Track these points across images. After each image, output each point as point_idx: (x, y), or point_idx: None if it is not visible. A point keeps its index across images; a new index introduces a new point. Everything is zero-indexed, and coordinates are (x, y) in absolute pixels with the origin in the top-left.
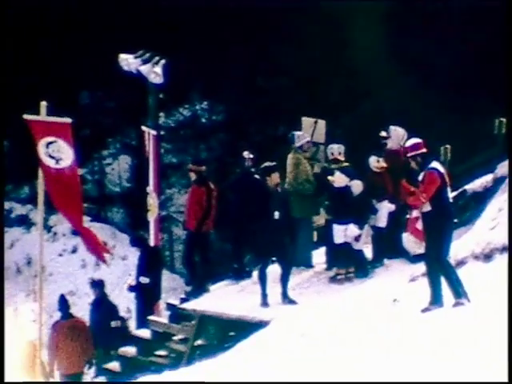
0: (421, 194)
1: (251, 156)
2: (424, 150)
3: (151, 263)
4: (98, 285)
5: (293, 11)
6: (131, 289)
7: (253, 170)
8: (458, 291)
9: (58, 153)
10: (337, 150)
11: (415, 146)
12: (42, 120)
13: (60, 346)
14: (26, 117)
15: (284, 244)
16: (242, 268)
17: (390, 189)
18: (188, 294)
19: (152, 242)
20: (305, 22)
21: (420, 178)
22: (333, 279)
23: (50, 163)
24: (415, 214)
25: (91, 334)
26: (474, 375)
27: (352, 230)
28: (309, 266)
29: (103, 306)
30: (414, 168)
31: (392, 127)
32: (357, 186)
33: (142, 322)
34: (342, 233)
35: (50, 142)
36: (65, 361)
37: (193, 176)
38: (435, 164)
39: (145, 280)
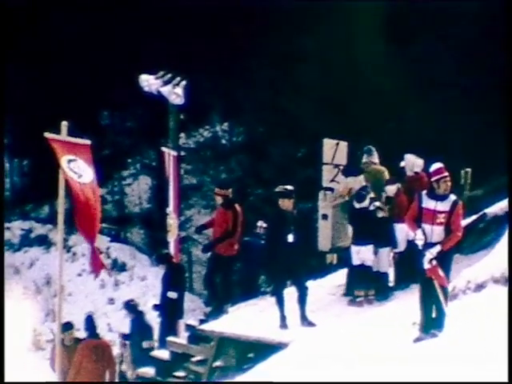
0: (457, 231)
1: (264, 225)
2: (446, 174)
3: (176, 280)
4: (131, 306)
5: (316, 31)
6: (156, 307)
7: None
8: (442, 322)
9: (78, 169)
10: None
11: (437, 171)
12: (63, 139)
13: (83, 365)
14: (47, 135)
15: (298, 267)
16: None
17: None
18: (208, 315)
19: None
20: (328, 42)
21: (443, 208)
22: (352, 301)
23: (74, 177)
24: (434, 262)
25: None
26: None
27: (365, 252)
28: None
29: (138, 326)
30: (440, 193)
31: (405, 156)
32: (380, 208)
33: (165, 341)
34: (356, 255)
35: (71, 160)
36: (86, 380)
37: (219, 200)
38: (454, 195)
39: (173, 295)
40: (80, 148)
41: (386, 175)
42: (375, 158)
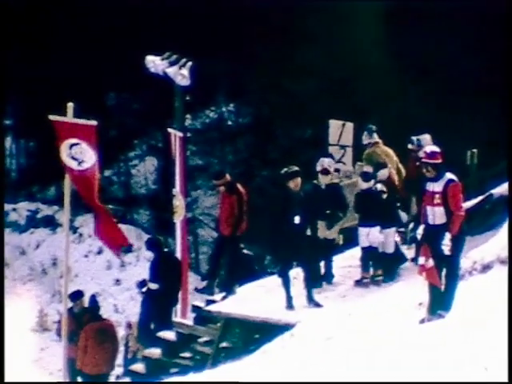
0: (456, 211)
1: None
2: (440, 161)
3: (163, 269)
4: (143, 285)
5: (320, 12)
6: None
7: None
8: (450, 303)
9: (80, 155)
10: (327, 163)
11: (432, 154)
12: (68, 121)
13: (88, 348)
14: (52, 117)
15: (304, 248)
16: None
17: (402, 194)
18: (201, 290)
19: (178, 244)
20: (332, 23)
21: (438, 188)
22: (358, 283)
23: (73, 165)
24: (431, 263)
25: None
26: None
27: (374, 234)
28: None
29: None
30: (425, 175)
31: (420, 137)
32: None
33: (146, 330)
34: (365, 237)
35: (74, 144)
36: (92, 362)
37: (222, 188)
38: (451, 175)
39: (154, 286)
40: (85, 129)
41: (394, 158)
42: (376, 138)
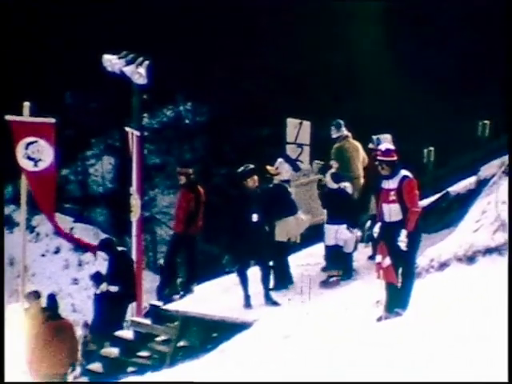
0: (412, 207)
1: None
2: (394, 158)
3: (121, 269)
4: (97, 277)
5: (278, 11)
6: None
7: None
8: (407, 300)
9: (37, 153)
10: (277, 164)
11: (387, 152)
12: (25, 120)
13: (46, 347)
14: (8, 117)
15: (261, 246)
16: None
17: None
18: (164, 296)
19: (134, 243)
20: (290, 21)
21: (393, 185)
22: (325, 282)
23: (29, 166)
24: (387, 261)
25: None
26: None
27: (343, 231)
28: None
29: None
30: (381, 173)
31: (380, 136)
32: (348, 188)
33: (103, 330)
34: (333, 235)
35: (31, 143)
36: (49, 361)
37: (182, 179)
38: (406, 172)
39: (113, 288)
40: (43, 127)
41: (362, 152)
42: (345, 131)
